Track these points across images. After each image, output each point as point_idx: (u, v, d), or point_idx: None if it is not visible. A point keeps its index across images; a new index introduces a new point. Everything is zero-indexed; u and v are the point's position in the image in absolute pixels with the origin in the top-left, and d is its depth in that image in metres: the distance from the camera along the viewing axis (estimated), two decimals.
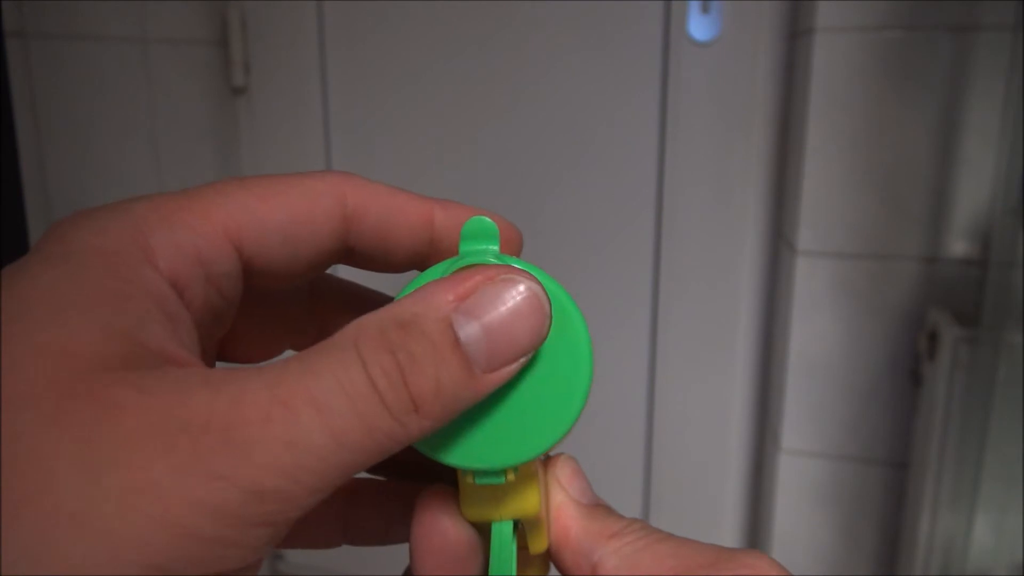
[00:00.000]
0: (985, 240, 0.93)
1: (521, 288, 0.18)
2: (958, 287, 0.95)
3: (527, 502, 0.21)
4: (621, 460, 1.26)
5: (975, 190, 0.92)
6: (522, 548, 0.22)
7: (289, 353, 0.25)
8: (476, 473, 0.20)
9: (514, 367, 0.18)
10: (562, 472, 0.23)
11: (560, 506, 0.22)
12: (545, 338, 0.19)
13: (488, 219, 0.22)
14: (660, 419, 1.22)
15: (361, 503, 0.25)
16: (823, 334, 1.01)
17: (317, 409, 0.15)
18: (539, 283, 0.19)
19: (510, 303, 0.18)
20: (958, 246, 0.94)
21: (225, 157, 1.26)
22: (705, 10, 1.07)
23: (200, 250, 0.18)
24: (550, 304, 0.19)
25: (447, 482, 0.21)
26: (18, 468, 0.14)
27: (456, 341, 0.17)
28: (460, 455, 0.19)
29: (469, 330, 0.17)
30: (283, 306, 0.24)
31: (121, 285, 0.16)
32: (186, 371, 0.16)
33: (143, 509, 0.14)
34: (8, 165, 0.82)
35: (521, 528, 0.22)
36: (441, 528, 0.21)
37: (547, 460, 0.23)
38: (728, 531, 1.24)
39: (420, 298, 0.17)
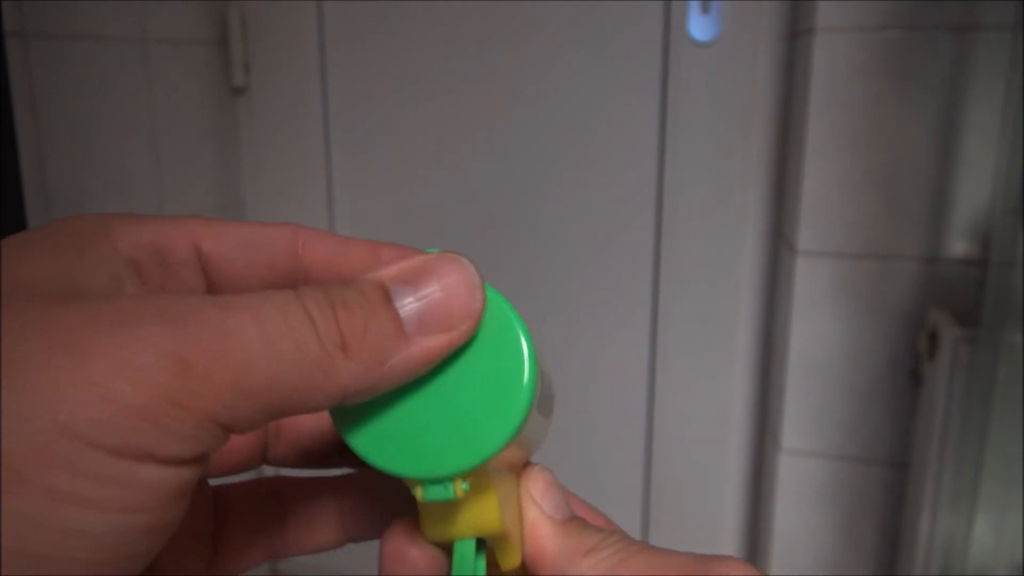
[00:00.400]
0: (985, 240, 0.93)
1: (455, 263, 0.19)
2: (958, 287, 0.95)
3: (485, 518, 0.21)
4: (621, 460, 1.26)
5: (975, 190, 0.92)
6: (494, 566, 0.22)
7: None
8: (424, 487, 0.19)
9: (445, 339, 0.19)
10: (535, 485, 0.23)
11: (534, 522, 0.22)
12: (478, 315, 0.19)
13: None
14: (660, 419, 1.22)
15: (354, 494, 0.25)
16: (823, 334, 1.01)
17: (253, 314, 0.16)
18: (473, 264, 0.19)
19: (444, 276, 0.19)
20: (958, 246, 0.94)
21: (225, 157, 1.26)
22: (705, 10, 1.07)
23: (158, 239, 0.20)
24: (483, 286, 0.20)
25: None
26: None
27: (388, 298, 0.18)
28: (400, 462, 0.19)
29: (402, 293, 0.19)
30: None
31: (79, 252, 0.18)
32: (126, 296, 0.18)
33: (75, 374, 0.14)
34: (8, 165, 0.82)
35: (491, 545, 0.22)
36: (404, 553, 0.21)
37: (522, 473, 0.23)
38: (728, 531, 1.24)
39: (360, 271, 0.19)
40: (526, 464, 0.23)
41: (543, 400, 0.21)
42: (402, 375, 0.18)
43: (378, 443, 0.19)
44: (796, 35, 1.05)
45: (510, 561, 0.22)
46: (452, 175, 1.23)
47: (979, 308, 0.85)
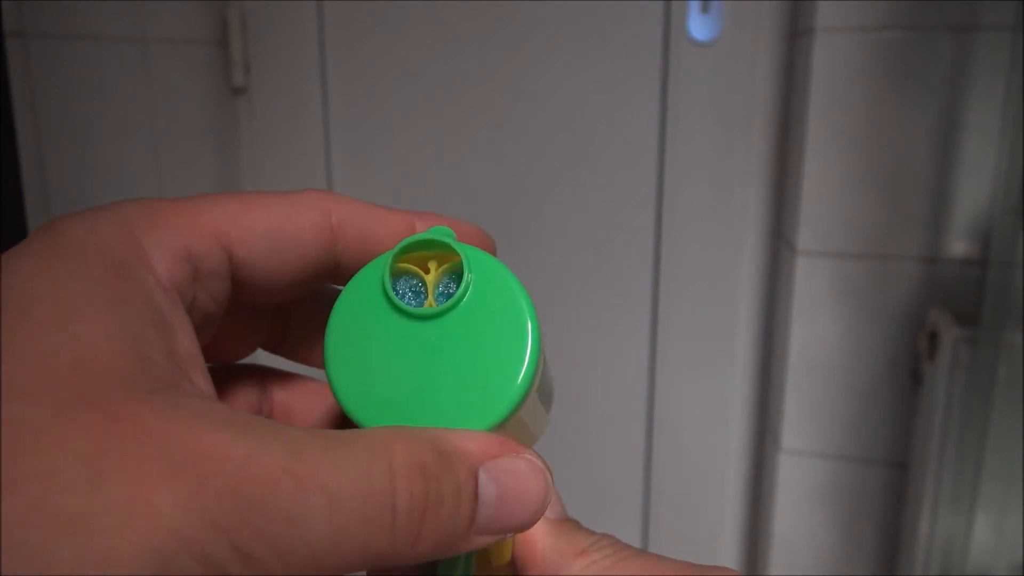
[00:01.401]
0: (985, 240, 0.93)
1: (536, 472, 0.19)
2: (958, 287, 0.95)
3: None
4: (621, 460, 1.26)
5: (975, 190, 0.92)
6: (484, 562, 0.22)
7: (262, 354, 0.25)
8: None
9: (494, 540, 0.18)
10: None
11: None
12: (529, 526, 0.19)
13: (447, 227, 0.23)
14: (660, 419, 1.22)
15: None
16: (823, 334, 1.01)
17: (328, 497, 0.15)
18: (549, 472, 0.19)
19: (524, 482, 0.18)
20: (958, 246, 0.94)
21: (225, 157, 1.26)
22: (705, 10, 1.07)
23: (190, 249, 0.18)
24: (552, 491, 0.20)
25: None
26: (20, 460, 0.13)
27: (475, 495, 0.17)
28: None
29: (487, 490, 0.18)
30: (256, 308, 0.23)
31: (123, 288, 0.16)
32: (204, 404, 0.16)
33: (137, 529, 0.13)
34: (8, 165, 0.82)
35: None
36: None
37: None
38: (728, 531, 1.24)
39: (456, 436, 0.18)
40: None
41: (543, 386, 0.21)
42: (443, 558, 0.18)
43: (376, 414, 0.19)
44: (796, 35, 1.05)
45: (502, 556, 0.22)
46: (452, 175, 1.23)
47: (979, 308, 0.85)
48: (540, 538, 0.21)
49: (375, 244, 0.21)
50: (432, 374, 0.19)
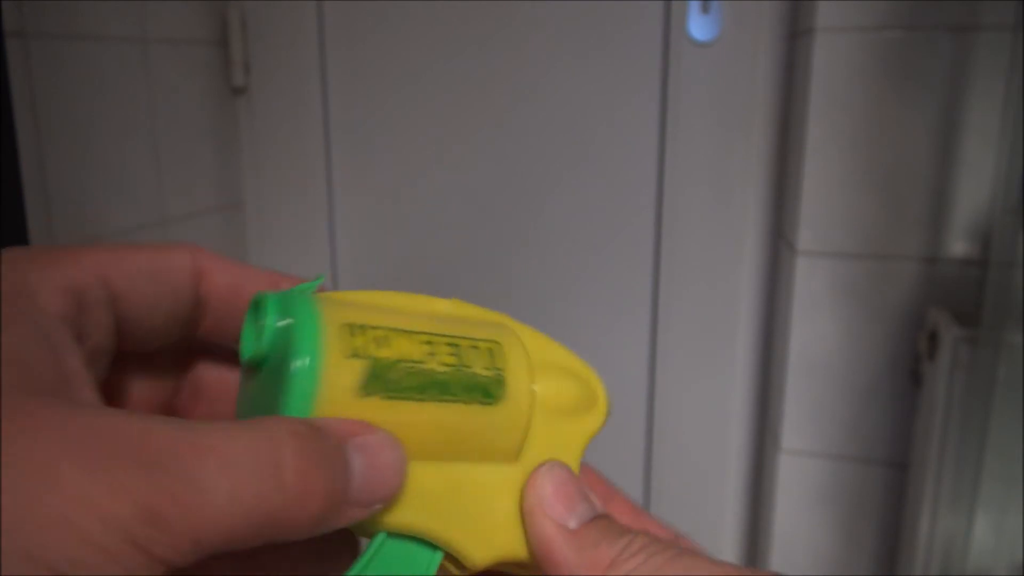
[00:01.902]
0: (985, 240, 0.93)
1: (393, 445, 0.20)
2: (958, 287, 0.95)
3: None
4: (621, 460, 1.26)
5: (975, 190, 0.92)
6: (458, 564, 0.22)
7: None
8: None
9: (367, 512, 0.20)
10: (542, 490, 0.22)
11: (543, 535, 0.21)
12: (388, 501, 0.20)
13: (309, 283, 0.24)
14: (660, 419, 1.22)
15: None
16: (823, 334, 1.01)
17: (221, 459, 0.17)
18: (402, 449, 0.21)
19: (384, 454, 0.20)
20: (958, 246, 0.94)
21: (225, 157, 1.26)
22: (705, 10, 1.07)
23: (73, 282, 0.20)
24: (404, 471, 0.21)
25: None
26: None
27: (347, 463, 0.19)
28: None
29: (356, 461, 0.19)
30: (158, 367, 0.25)
31: (10, 314, 0.18)
32: (92, 402, 0.18)
33: (52, 508, 0.15)
34: (8, 165, 0.82)
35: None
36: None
37: (530, 475, 0.23)
38: (728, 531, 1.24)
39: (321, 418, 0.20)
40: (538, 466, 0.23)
41: (421, 383, 0.21)
42: (326, 531, 0.19)
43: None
44: (796, 35, 1.05)
45: (473, 560, 0.21)
46: (452, 175, 1.23)
47: (979, 308, 0.85)
48: (561, 554, 0.21)
49: (241, 296, 0.23)
50: (265, 409, 0.20)
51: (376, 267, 1.29)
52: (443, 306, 0.24)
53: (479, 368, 0.22)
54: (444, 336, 0.22)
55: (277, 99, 1.26)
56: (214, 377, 0.25)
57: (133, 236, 1.08)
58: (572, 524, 0.21)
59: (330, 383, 0.20)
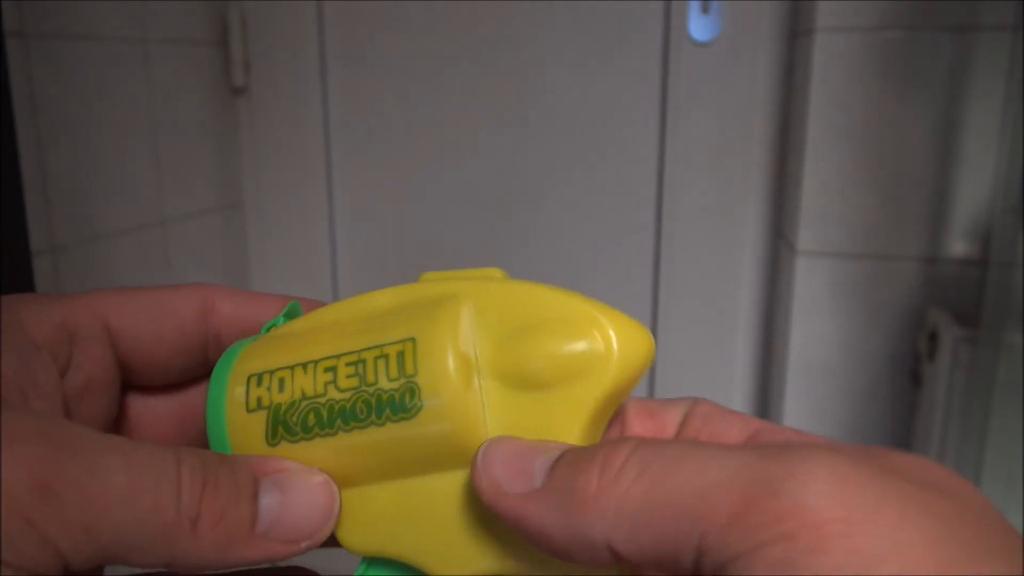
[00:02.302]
0: (985, 240, 0.93)
1: (324, 487, 0.20)
2: (958, 287, 0.95)
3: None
4: None
5: (975, 190, 0.92)
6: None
7: None
8: None
9: (286, 549, 0.19)
10: (492, 472, 0.18)
11: (520, 518, 0.17)
12: (320, 540, 0.20)
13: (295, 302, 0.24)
14: None
15: None
16: (823, 334, 1.01)
17: (127, 461, 0.17)
18: (334, 486, 0.20)
19: (310, 494, 0.20)
20: (958, 246, 0.94)
21: (225, 157, 1.26)
22: (705, 10, 1.07)
23: (65, 318, 0.21)
24: (336, 515, 0.20)
25: None
26: None
27: (255, 493, 0.19)
28: None
29: (271, 491, 0.19)
30: (180, 408, 0.25)
31: None
32: (41, 411, 0.19)
33: None
34: (8, 165, 0.82)
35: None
36: None
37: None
38: None
39: (240, 455, 0.20)
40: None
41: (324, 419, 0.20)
42: (237, 564, 0.19)
43: None
44: (796, 35, 1.05)
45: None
46: (452, 175, 1.23)
47: (979, 308, 0.85)
48: (543, 521, 0.17)
49: (250, 322, 0.23)
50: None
51: (376, 267, 1.29)
52: (386, 298, 0.22)
53: (384, 381, 0.20)
54: (348, 354, 0.20)
55: (277, 99, 1.26)
56: None
57: (133, 236, 1.08)
58: (537, 483, 0.18)
59: (238, 441, 0.20)
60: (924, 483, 0.15)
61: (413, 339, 0.20)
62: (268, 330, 0.23)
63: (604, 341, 0.19)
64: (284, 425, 0.20)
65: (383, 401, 0.20)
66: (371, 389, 0.20)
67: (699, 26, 1.08)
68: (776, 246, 1.13)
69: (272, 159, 1.29)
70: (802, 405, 1.04)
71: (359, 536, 0.20)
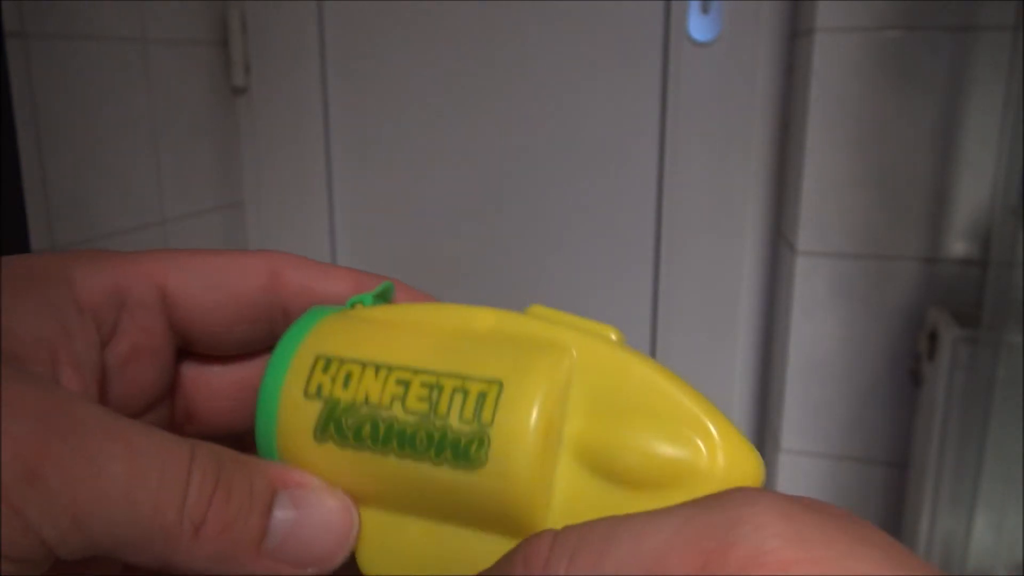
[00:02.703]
0: (985, 240, 0.93)
1: (343, 512, 0.19)
2: (958, 287, 0.95)
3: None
4: None
5: (975, 190, 0.92)
6: None
7: None
8: None
9: (296, 571, 0.18)
10: None
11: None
12: (331, 567, 0.18)
13: (389, 283, 0.22)
14: None
15: None
16: (823, 334, 1.01)
17: (130, 447, 0.16)
18: (357, 514, 0.19)
19: (329, 515, 0.18)
20: (958, 246, 0.94)
21: (225, 157, 1.26)
22: (705, 10, 1.07)
23: (118, 280, 0.20)
24: (354, 541, 0.19)
25: None
26: None
27: (269, 508, 0.18)
28: None
29: (285, 513, 0.18)
30: (240, 381, 0.24)
31: (37, 293, 0.18)
32: (49, 380, 0.17)
33: None
34: (8, 165, 0.82)
35: None
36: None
37: None
38: None
39: (264, 460, 0.19)
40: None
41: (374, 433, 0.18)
42: (232, 570, 0.18)
43: None
44: (796, 35, 1.05)
45: None
46: (451, 175, 1.23)
47: (979, 308, 0.85)
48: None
49: (321, 296, 0.22)
50: None
51: (376, 267, 1.29)
52: (486, 320, 0.19)
53: (456, 420, 0.17)
54: (427, 373, 0.18)
55: (277, 99, 1.26)
56: None
57: (133, 236, 1.08)
58: None
59: (286, 424, 0.19)
60: (841, 514, 0.15)
61: (500, 383, 0.18)
62: (353, 306, 0.21)
63: (709, 456, 0.17)
64: (336, 425, 0.18)
65: (447, 440, 0.18)
66: (439, 423, 0.18)
67: (699, 26, 1.08)
68: (776, 246, 1.13)
69: (272, 159, 1.29)
70: (802, 405, 1.04)
71: (379, 562, 0.19)
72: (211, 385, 0.23)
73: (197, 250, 0.21)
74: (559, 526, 0.17)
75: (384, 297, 0.22)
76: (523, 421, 0.17)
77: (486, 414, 0.17)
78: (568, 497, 0.18)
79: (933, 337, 0.90)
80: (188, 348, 0.22)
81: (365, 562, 0.19)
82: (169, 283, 0.21)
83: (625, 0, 1.11)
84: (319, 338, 0.19)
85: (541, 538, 0.16)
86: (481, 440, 0.17)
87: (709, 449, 0.17)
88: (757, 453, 0.18)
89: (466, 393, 0.18)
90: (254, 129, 1.28)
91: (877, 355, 0.99)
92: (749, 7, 1.07)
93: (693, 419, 0.17)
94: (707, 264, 1.15)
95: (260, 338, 0.22)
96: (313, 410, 0.19)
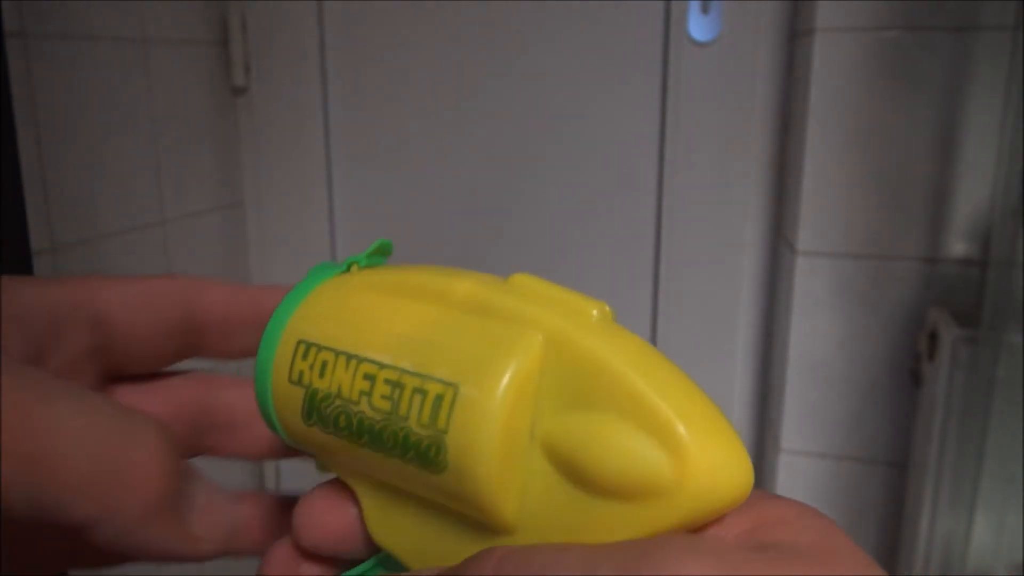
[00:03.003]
0: (985, 240, 0.93)
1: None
2: (958, 287, 0.95)
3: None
4: None
5: (975, 190, 0.92)
6: None
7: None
8: None
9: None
10: None
11: None
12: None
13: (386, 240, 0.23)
14: None
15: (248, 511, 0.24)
16: (823, 334, 1.01)
17: (94, 410, 0.17)
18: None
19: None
20: (958, 246, 0.94)
21: (225, 157, 1.26)
22: (705, 10, 1.07)
23: (51, 300, 0.21)
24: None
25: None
26: None
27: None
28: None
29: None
30: (165, 398, 0.25)
31: None
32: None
33: None
34: (8, 165, 0.82)
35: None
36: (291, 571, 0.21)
37: None
38: None
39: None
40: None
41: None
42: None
43: None
44: (796, 35, 1.05)
45: None
46: (452, 175, 1.23)
47: (979, 308, 0.85)
48: None
49: (237, 316, 0.23)
50: None
51: None
52: (463, 288, 0.19)
53: (414, 423, 0.17)
54: (390, 368, 0.18)
55: (277, 99, 1.26)
56: (224, 402, 0.25)
57: (133, 236, 1.08)
58: None
59: (280, 406, 0.20)
60: (787, 555, 0.15)
61: (456, 387, 0.17)
62: (349, 267, 0.21)
63: (675, 469, 0.15)
64: (318, 413, 0.19)
65: (410, 442, 0.17)
66: (401, 424, 0.17)
67: (699, 26, 1.08)
68: (776, 246, 1.13)
69: (272, 159, 1.29)
70: (802, 405, 1.04)
71: (386, 533, 0.19)
72: (140, 405, 0.24)
73: (123, 275, 0.23)
74: (529, 524, 0.17)
75: (383, 253, 0.22)
76: (476, 427, 0.16)
77: (441, 420, 0.17)
78: (540, 493, 0.17)
79: (933, 337, 0.90)
80: (113, 367, 0.23)
81: (374, 531, 0.20)
82: (97, 301, 0.22)
83: (625, 0, 1.11)
84: (304, 317, 0.20)
85: (484, 560, 0.16)
86: (439, 446, 0.17)
87: (676, 461, 0.15)
88: (742, 462, 0.16)
89: (424, 395, 0.17)
90: (254, 129, 1.28)
91: (877, 355, 0.99)
92: (749, 7, 1.07)
93: (663, 424, 0.15)
94: (707, 264, 1.15)
95: (178, 354, 0.24)
96: (298, 395, 0.19)
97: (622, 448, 0.15)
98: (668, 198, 1.15)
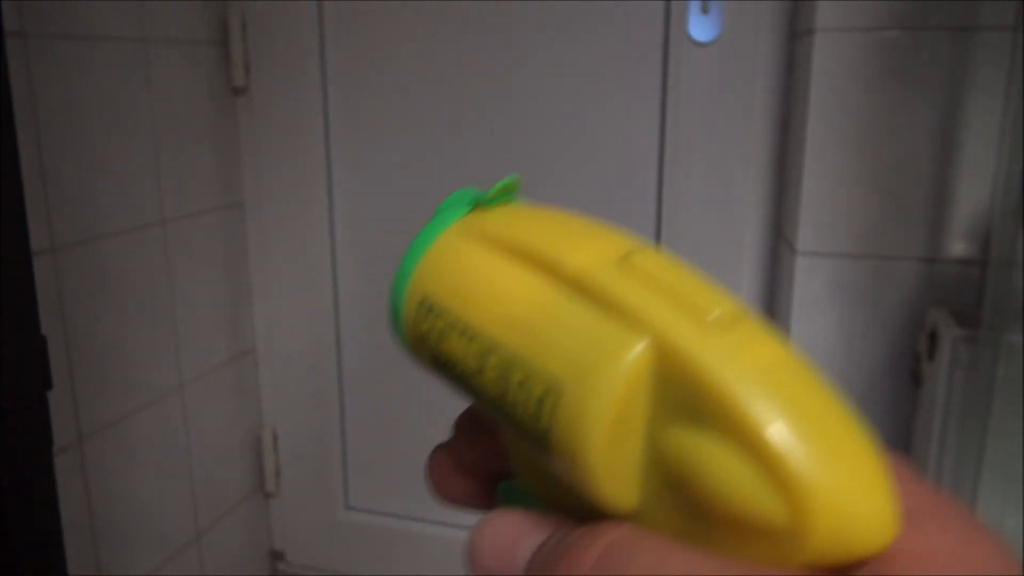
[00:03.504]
0: (985, 240, 0.93)
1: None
2: (958, 287, 0.95)
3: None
4: None
5: (975, 190, 0.92)
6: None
7: None
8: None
9: None
10: (480, 543, 0.17)
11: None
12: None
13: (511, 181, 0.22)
14: None
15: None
16: (823, 334, 1.01)
17: None
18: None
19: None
20: (958, 246, 0.94)
21: (225, 157, 1.26)
22: (705, 10, 1.07)
23: None
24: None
25: None
26: None
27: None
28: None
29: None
30: None
31: None
32: None
33: None
34: (8, 165, 0.82)
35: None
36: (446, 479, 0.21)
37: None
38: None
39: None
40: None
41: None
42: None
43: None
44: (796, 35, 1.05)
45: None
46: (452, 175, 1.23)
47: (979, 308, 0.85)
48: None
49: None
50: None
51: (377, 267, 1.29)
52: (577, 261, 0.18)
53: (521, 411, 0.17)
54: (501, 349, 0.17)
55: (277, 99, 1.26)
56: None
57: (133, 236, 1.08)
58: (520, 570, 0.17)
59: (417, 354, 0.20)
60: None
61: (558, 389, 0.16)
62: (476, 205, 0.21)
63: (791, 511, 0.13)
64: (444, 372, 0.19)
65: (520, 422, 0.17)
66: (511, 408, 0.17)
67: (699, 26, 1.08)
68: (776, 246, 1.13)
69: (272, 159, 1.29)
70: None
71: (517, 462, 0.20)
72: None
73: None
74: (646, 515, 0.16)
75: (508, 192, 0.21)
76: (577, 435, 0.15)
77: (544, 421, 0.16)
78: (654, 496, 0.16)
79: (933, 337, 0.90)
80: None
81: (513, 463, 0.20)
82: None
83: (625, 0, 1.11)
84: (427, 269, 0.20)
85: (591, 542, 0.15)
86: (545, 439, 0.16)
87: (792, 505, 0.13)
88: (884, 508, 0.14)
89: (527, 390, 0.16)
90: (254, 129, 1.28)
91: (877, 355, 0.99)
92: (749, 7, 1.07)
93: (775, 461, 0.13)
94: (707, 264, 1.15)
95: None
96: (427, 350, 0.19)
97: (733, 483, 0.14)
98: (668, 198, 1.15)
